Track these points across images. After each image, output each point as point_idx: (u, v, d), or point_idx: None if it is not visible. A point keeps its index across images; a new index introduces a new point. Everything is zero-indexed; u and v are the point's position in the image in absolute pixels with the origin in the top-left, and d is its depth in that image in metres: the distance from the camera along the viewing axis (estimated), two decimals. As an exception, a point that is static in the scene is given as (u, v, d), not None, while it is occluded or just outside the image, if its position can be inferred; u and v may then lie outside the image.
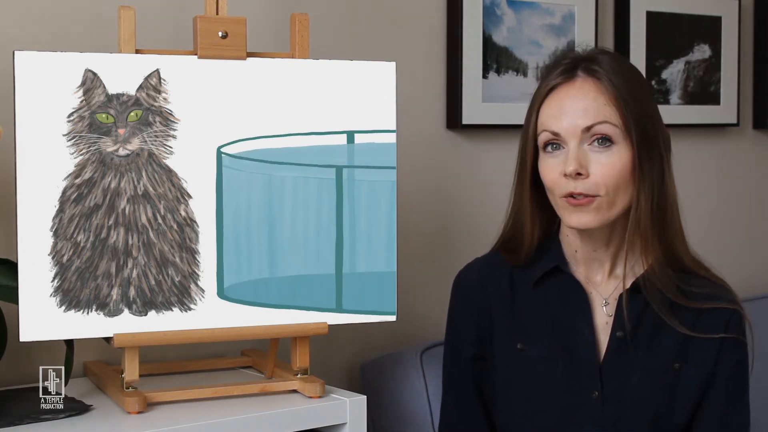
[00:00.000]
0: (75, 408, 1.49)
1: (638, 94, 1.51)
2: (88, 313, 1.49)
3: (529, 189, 1.57)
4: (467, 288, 1.65)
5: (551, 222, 1.61)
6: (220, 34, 1.55)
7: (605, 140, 1.49)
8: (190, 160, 1.53)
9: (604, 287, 1.58)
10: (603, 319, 1.57)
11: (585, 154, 1.49)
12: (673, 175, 1.55)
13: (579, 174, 1.48)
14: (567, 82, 1.52)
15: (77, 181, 1.48)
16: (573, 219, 1.50)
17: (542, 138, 1.53)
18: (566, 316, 1.57)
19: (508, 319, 1.60)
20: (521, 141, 1.58)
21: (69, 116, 1.47)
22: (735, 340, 1.56)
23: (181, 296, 1.53)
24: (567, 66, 1.53)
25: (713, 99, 2.67)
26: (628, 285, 1.54)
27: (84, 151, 1.48)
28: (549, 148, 1.52)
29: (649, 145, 1.50)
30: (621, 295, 1.55)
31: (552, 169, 1.52)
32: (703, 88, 2.65)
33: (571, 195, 1.49)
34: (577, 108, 1.50)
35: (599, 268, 1.59)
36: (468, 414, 1.64)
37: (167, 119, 1.52)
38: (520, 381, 1.58)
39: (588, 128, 1.49)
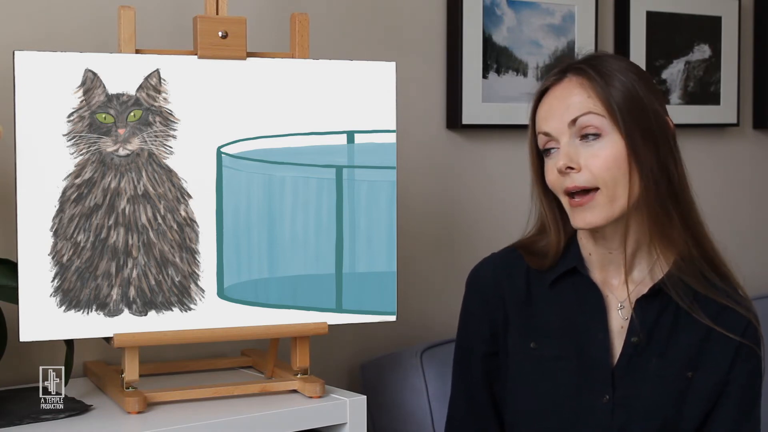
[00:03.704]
0: (75, 408, 1.49)
1: (628, 84, 1.50)
2: (88, 313, 1.49)
3: (543, 194, 1.57)
4: (482, 284, 1.64)
5: None
6: (220, 34, 1.55)
7: (591, 134, 1.49)
8: (190, 160, 1.53)
9: (621, 291, 1.57)
10: (618, 322, 1.56)
11: (576, 149, 1.50)
12: (683, 167, 1.54)
13: (571, 168, 1.48)
14: (556, 84, 1.54)
15: (77, 181, 1.48)
16: (578, 219, 1.51)
17: (539, 141, 1.55)
18: (581, 318, 1.57)
19: (522, 317, 1.60)
20: (528, 148, 1.59)
21: (69, 116, 1.47)
22: (750, 349, 1.55)
23: (181, 296, 1.53)
24: (559, 69, 1.56)
25: (713, 99, 2.67)
26: (645, 289, 1.54)
27: (84, 151, 1.48)
28: (548, 151, 1.54)
29: (642, 133, 1.49)
30: (637, 300, 1.55)
31: (550, 170, 1.53)
32: (703, 88, 2.65)
33: (570, 193, 1.50)
34: (563, 105, 1.51)
35: (615, 271, 1.58)
36: (476, 409, 1.63)
37: (167, 119, 1.52)
38: (531, 380, 1.57)
39: (573, 121, 1.50)
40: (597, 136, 1.49)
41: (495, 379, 1.63)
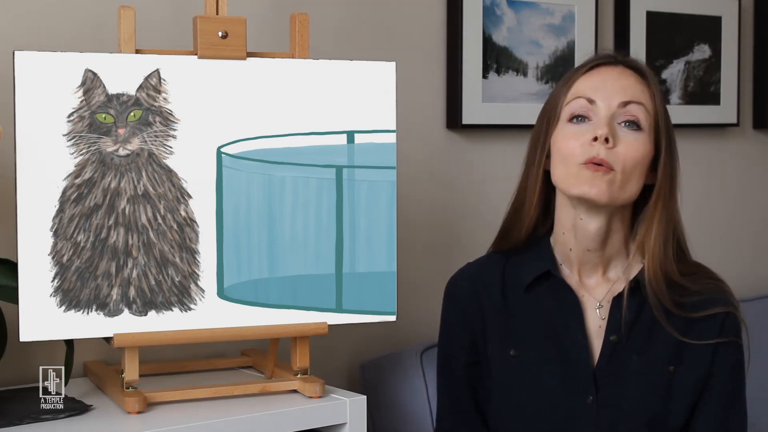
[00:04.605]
0: (75, 408, 1.49)
1: (663, 97, 1.57)
2: (88, 313, 1.49)
3: (543, 165, 1.57)
4: (459, 294, 1.65)
5: (547, 216, 1.61)
6: (220, 34, 1.55)
7: (634, 124, 1.52)
8: (190, 160, 1.53)
9: (598, 290, 1.58)
10: (596, 322, 1.57)
11: (614, 129, 1.51)
12: (678, 204, 1.57)
13: (607, 141, 1.49)
14: (610, 66, 1.57)
15: (77, 181, 1.48)
16: (585, 186, 1.49)
17: (574, 105, 1.54)
18: (559, 321, 1.57)
19: (500, 325, 1.60)
20: (541, 115, 1.59)
21: (69, 116, 1.47)
22: (729, 342, 1.55)
23: (181, 296, 1.53)
24: (609, 57, 1.58)
25: (713, 99, 2.67)
26: (621, 288, 1.55)
27: (84, 151, 1.48)
28: (575, 120, 1.53)
29: (666, 146, 1.53)
30: (614, 299, 1.55)
31: (574, 136, 1.52)
32: (703, 88, 2.65)
33: (593, 161, 1.49)
34: (618, 84, 1.53)
35: (592, 270, 1.58)
36: (463, 419, 1.64)
37: (167, 119, 1.52)
38: (514, 386, 1.57)
39: (624, 104, 1.52)
40: (636, 128, 1.52)
41: (479, 387, 1.62)
